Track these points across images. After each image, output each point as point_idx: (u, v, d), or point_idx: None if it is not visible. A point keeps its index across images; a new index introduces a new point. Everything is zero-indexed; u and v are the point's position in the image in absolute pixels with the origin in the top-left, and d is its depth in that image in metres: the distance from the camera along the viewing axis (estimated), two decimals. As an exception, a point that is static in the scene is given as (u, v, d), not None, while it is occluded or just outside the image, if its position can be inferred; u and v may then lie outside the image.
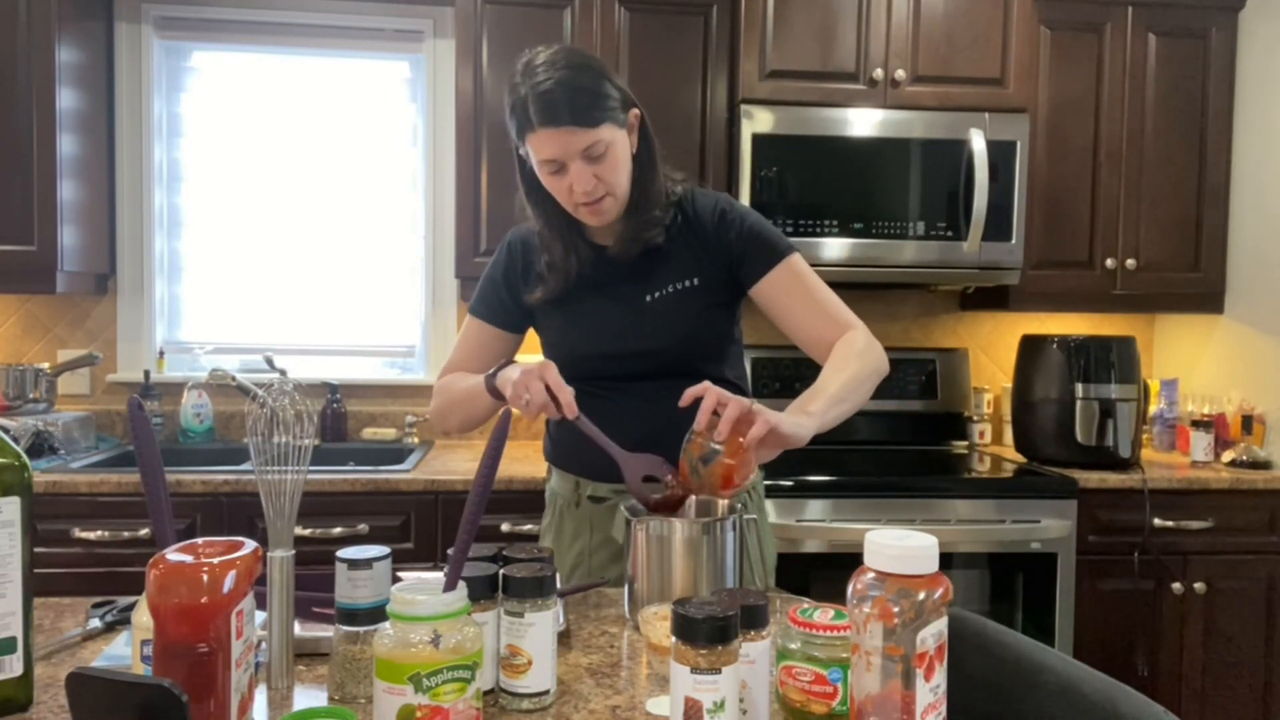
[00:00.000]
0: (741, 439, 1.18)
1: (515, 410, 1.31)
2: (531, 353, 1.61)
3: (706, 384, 1.24)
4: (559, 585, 1.18)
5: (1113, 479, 2.51)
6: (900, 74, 2.62)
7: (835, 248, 2.57)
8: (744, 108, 2.57)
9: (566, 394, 1.30)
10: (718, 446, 1.19)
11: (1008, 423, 2.95)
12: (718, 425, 1.19)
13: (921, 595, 0.73)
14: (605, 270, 1.51)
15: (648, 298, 1.49)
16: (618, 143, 1.41)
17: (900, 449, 2.94)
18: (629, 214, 1.48)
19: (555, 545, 1.61)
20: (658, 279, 1.50)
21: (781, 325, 1.52)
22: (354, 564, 0.95)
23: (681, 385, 1.47)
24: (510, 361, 1.45)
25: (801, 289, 1.50)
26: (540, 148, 1.38)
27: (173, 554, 0.81)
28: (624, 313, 1.50)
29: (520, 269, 1.56)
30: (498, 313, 1.58)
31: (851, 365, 1.41)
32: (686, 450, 1.22)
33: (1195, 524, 2.53)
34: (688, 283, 1.49)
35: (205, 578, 0.79)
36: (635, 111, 1.45)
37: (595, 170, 1.39)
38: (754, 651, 0.87)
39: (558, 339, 1.56)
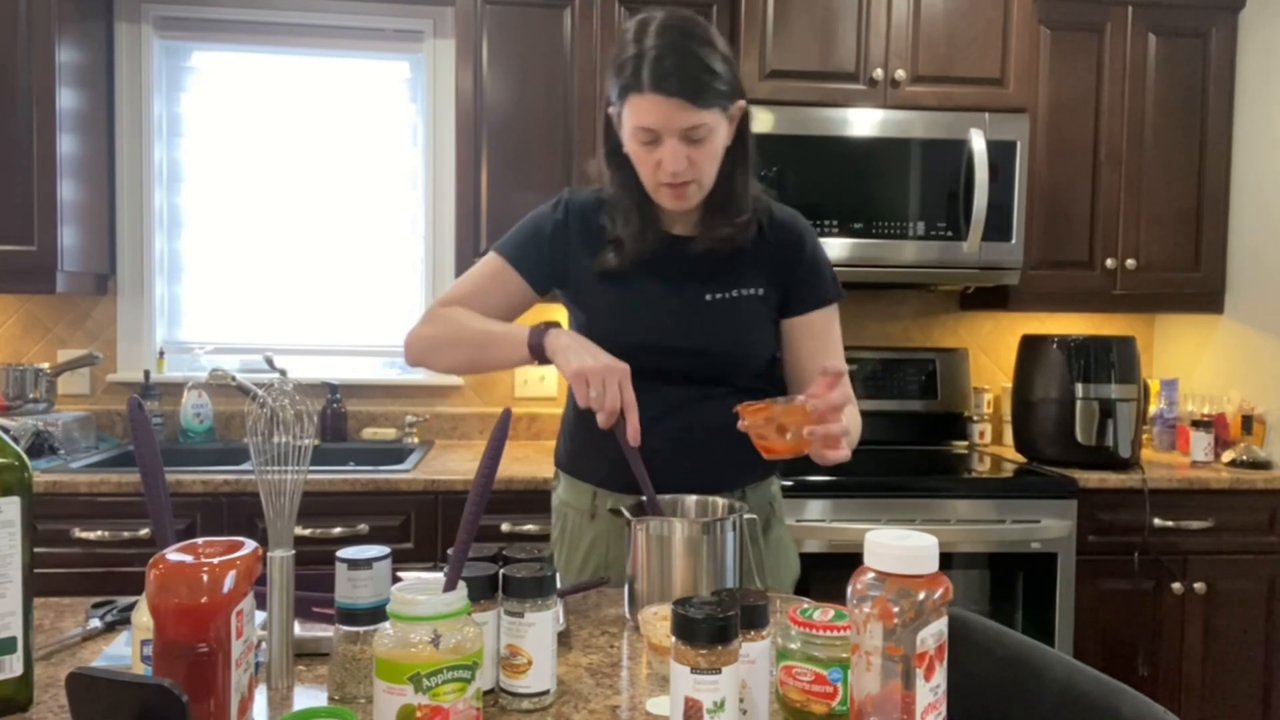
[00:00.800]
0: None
1: (581, 398, 1.25)
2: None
3: (843, 374, 1.22)
4: (559, 585, 1.18)
5: (1113, 479, 2.51)
6: (900, 74, 2.62)
7: (835, 248, 2.56)
8: (744, 108, 2.57)
9: (635, 416, 1.25)
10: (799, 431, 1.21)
11: (1008, 423, 2.95)
12: (810, 417, 1.19)
13: (921, 595, 0.73)
14: (671, 259, 1.43)
15: (708, 296, 1.43)
16: (719, 131, 1.34)
17: (900, 449, 2.94)
18: (717, 211, 1.42)
19: (566, 561, 1.53)
20: (722, 280, 1.44)
21: (787, 358, 1.50)
22: (354, 564, 0.95)
23: (717, 395, 1.42)
24: (558, 325, 1.36)
25: (823, 339, 1.48)
26: (641, 113, 1.30)
27: (173, 554, 0.81)
28: (681, 307, 1.43)
29: (574, 231, 1.46)
30: (530, 261, 1.46)
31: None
32: (780, 412, 1.21)
33: (1195, 524, 2.53)
34: (752, 291, 1.44)
35: (205, 578, 0.79)
36: (741, 104, 1.38)
37: (690, 152, 1.32)
38: (754, 651, 0.87)
39: (602, 319, 1.45)
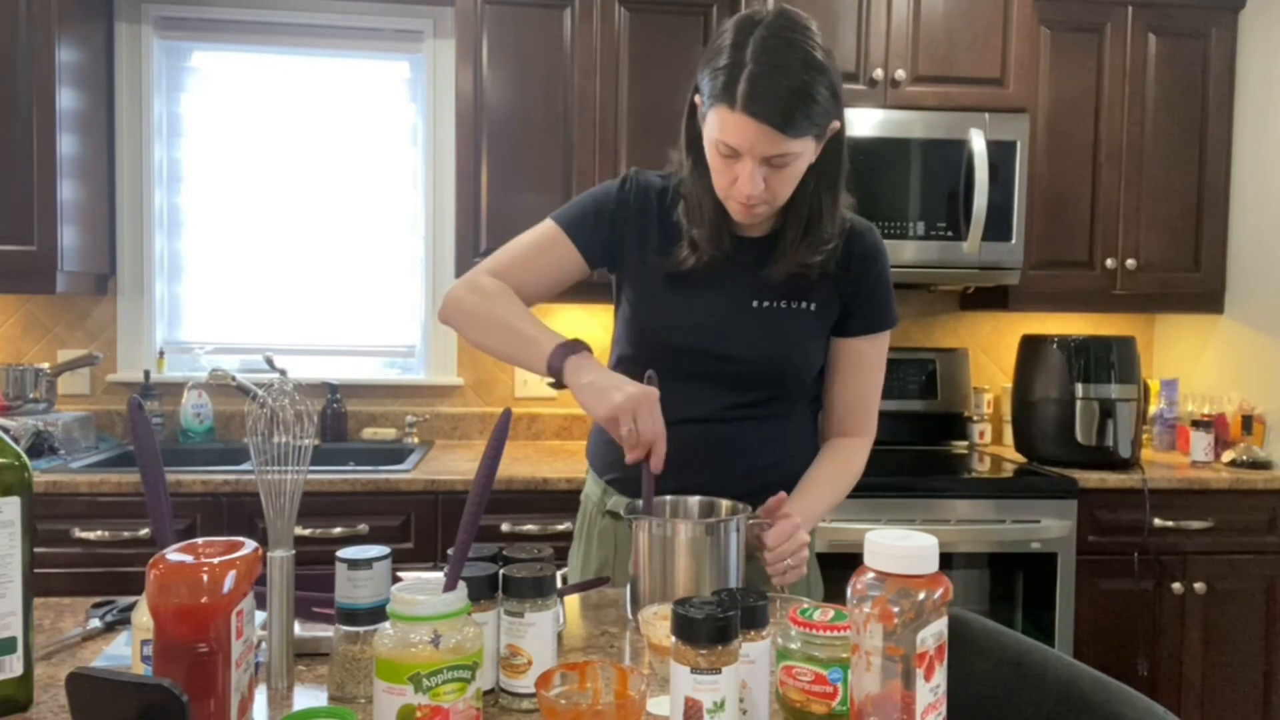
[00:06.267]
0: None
1: (617, 437, 1.22)
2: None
3: (797, 522, 1.26)
4: (559, 584, 1.18)
5: (1113, 479, 2.51)
6: (900, 74, 2.62)
7: (835, 248, 2.56)
8: (744, 108, 2.56)
9: (663, 445, 1.21)
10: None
11: (1008, 423, 2.95)
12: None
13: (921, 595, 0.73)
14: (730, 259, 1.37)
15: (755, 303, 1.37)
16: (804, 156, 1.26)
17: (900, 449, 2.94)
18: (801, 234, 1.34)
19: (583, 553, 1.51)
20: (775, 288, 1.37)
21: (826, 375, 1.46)
22: (354, 564, 0.95)
23: (750, 404, 1.38)
24: (582, 346, 1.28)
25: (867, 367, 1.44)
26: (726, 130, 1.22)
27: (173, 554, 0.81)
28: (725, 311, 1.37)
29: (634, 212, 1.40)
30: (586, 233, 1.40)
31: (840, 490, 1.43)
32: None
33: (1195, 524, 2.53)
34: (803, 304, 1.38)
35: (205, 578, 0.79)
36: (836, 124, 1.29)
37: (769, 176, 1.24)
38: (754, 651, 0.87)
39: (643, 310, 1.41)
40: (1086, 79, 2.81)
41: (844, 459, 1.45)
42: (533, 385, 3.03)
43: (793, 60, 1.20)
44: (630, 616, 1.23)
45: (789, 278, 1.36)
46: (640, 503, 1.28)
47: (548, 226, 1.42)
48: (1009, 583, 2.47)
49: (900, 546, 0.74)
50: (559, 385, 1.28)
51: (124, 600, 1.21)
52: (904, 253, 2.61)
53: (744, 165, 1.24)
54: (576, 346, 1.28)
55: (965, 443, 3.03)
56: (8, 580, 0.90)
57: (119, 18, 2.87)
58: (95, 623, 1.15)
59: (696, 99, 1.31)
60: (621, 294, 1.46)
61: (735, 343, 1.37)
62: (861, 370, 1.44)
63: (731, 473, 1.37)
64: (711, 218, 1.35)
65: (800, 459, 1.44)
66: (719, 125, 1.23)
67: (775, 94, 1.18)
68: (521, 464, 2.55)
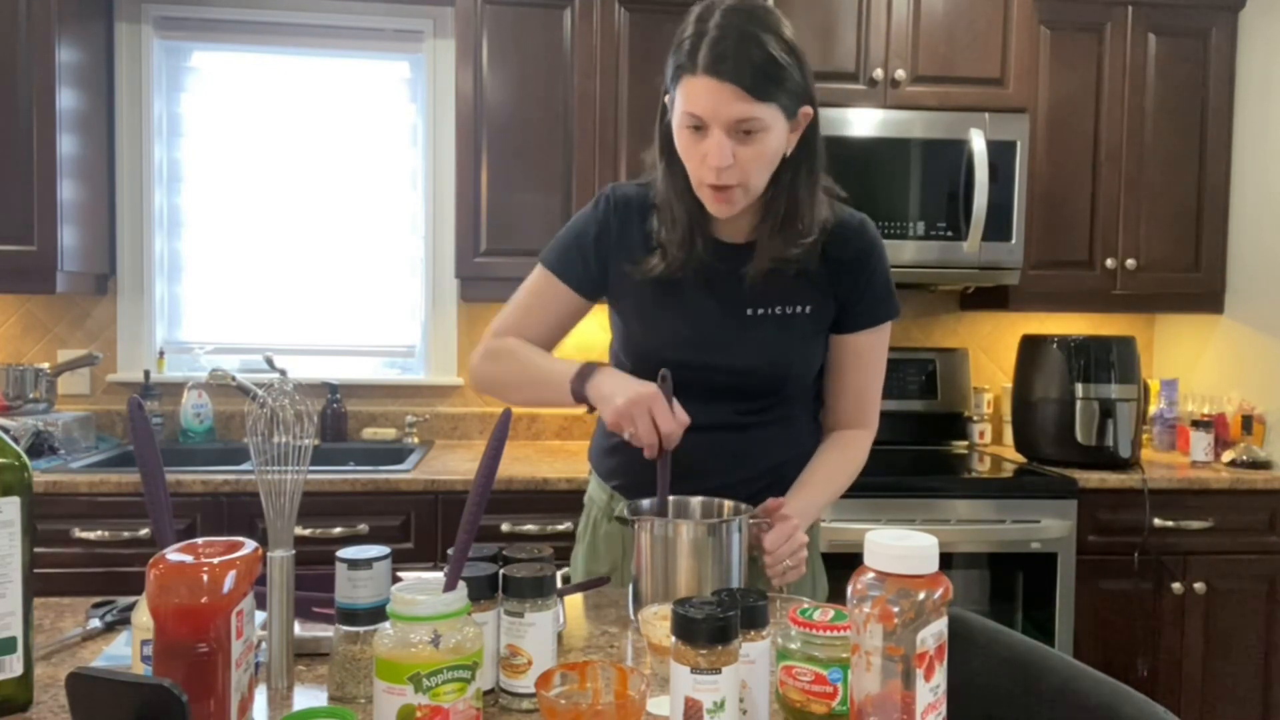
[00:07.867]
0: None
1: (628, 437, 1.22)
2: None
3: (795, 524, 1.25)
4: (559, 584, 1.18)
5: (1113, 479, 2.51)
6: (900, 74, 2.62)
7: (835, 248, 2.56)
8: (744, 108, 2.56)
9: (669, 429, 1.20)
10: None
11: (1008, 423, 2.95)
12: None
13: (921, 595, 0.73)
14: (716, 268, 1.35)
15: (749, 311, 1.35)
16: (775, 132, 1.22)
17: (900, 449, 2.94)
18: (779, 228, 1.31)
19: (589, 557, 1.51)
20: (770, 295, 1.35)
21: (827, 369, 1.44)
22: (354, 564, 0.95)
23: (756, 410, 1.38)
24: (600, 365, 1.30)
25: (869, 360, 1.43)
26: (690, 96, 1.21)
27: (173, 554, 0.81)
28: (721, 322, 1.35)
29: (615, 231, 1.38)
30: (574, 270, 1.39)
31: (841, 484, 1.42)
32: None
33: (1195, 524, 2.53)
34: (799, 308, 1.36)
35: (205, 578, 0.79)
36: (808, 110, 1.27)
37: (738, 149, 1.21)
38: (754, 651, 0.87)
39: (637, 329, 1.40)
40: (1086, 79, 2.81)
41: (845, 452, 1.45)
42: (533, 385, 3.03)
43: (754, 26, 1.21)
44: (632, 616, 1.23)
45: (781, 282, 1.34)
46: (642, 502, 1.28)
47: (538, 273, 1.42)
48: (1009, 583, 2.47)
49: (900, 546, 0.74)
50: (593, 409, 1.28)
51: (124, 600, 1.21)
52: (904, 253, 2.61)
53: (712, 136, 1.21)
54: (588, 369, 1.29)
55: (965, 443, 3.03)
56: (8, 580, 0.90)
57: (119, 18, 2.87)
58: (95, 623, 1.15)
59: (666, 99, 1.30)
60: (615, 309, 1.45)
61: (734, 353, 1.36)
62: (863, 364, 1.43)
63: (739, 478, 1.37)
64: (683, 220, 1.32)
65: (805, 459, 1.44)
66: (684, 95, 1.22)
67: (738, 56, 1.19)
68: (521, 464, 2.54)
